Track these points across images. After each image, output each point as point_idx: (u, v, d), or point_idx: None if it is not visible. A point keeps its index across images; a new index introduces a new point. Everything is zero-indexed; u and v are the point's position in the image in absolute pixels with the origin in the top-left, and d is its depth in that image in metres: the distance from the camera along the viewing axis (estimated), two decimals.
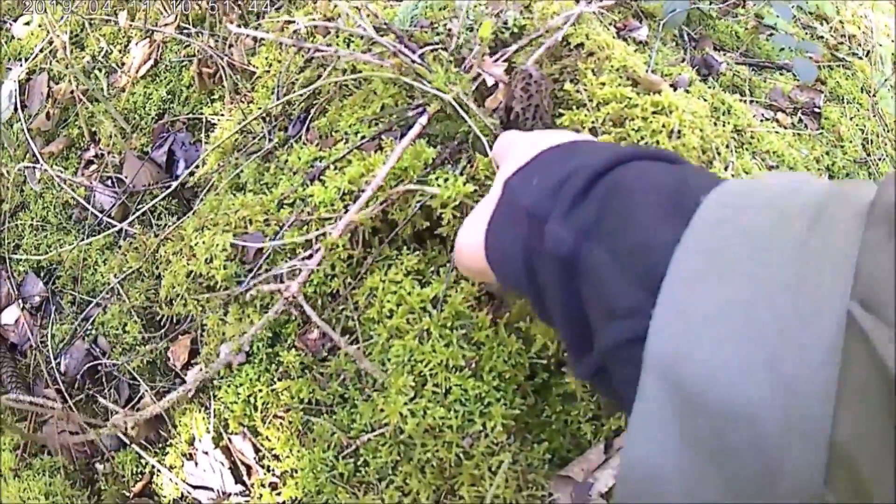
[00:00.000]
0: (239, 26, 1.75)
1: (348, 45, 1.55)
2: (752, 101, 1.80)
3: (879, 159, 1.83)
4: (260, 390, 1.40)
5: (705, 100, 1.67)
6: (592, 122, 1.40)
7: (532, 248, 0.61)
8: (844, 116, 1.89)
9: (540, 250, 0.59)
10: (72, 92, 1.74)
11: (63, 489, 1.57)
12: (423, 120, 1.35)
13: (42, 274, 1.71)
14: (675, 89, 1.66)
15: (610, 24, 1.72)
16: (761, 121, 1.73)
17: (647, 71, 1.66)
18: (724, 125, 1.59)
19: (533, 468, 1.27)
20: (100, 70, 1.81)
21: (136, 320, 1.56)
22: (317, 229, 1.37)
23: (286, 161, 1.52)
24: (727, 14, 2.02)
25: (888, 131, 1.87)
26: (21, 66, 1.82)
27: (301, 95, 1.56)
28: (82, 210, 1.69)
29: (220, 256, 1.45)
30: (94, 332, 1.61)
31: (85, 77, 1.76)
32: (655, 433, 0.41)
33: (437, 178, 1.34)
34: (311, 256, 1.35)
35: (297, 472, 1.35)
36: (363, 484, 1.31)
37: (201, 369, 1.46)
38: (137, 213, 1.65)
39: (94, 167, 1.73)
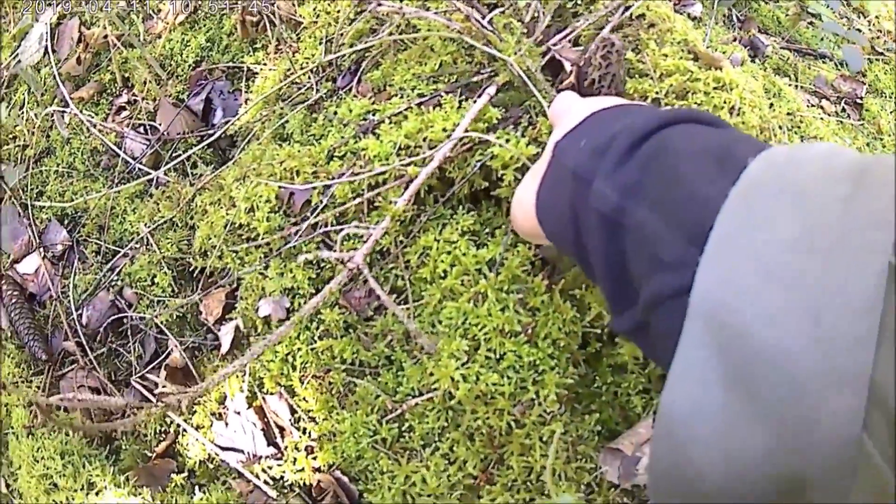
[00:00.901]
0: None
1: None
2: (797, 87, 1.76)
3: None
4: (299, 349, 1.32)
5: (755, 79, 1.61)
6: (656, 93, 1.33)
7: (577, 206, 0.62)
8: (884, 110, 1.85)
9: (585, 208, 0.60)
10: (105, 37, 1.64)
11: (80, 448, 1.48)
12: (492, 90, 1.27)
13: (66, 222, 1.61)
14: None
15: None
16: (808, 106, 1.69)
17: (705, 47, 1.60)
18: (779, 107, 1.54)
19: (583, 440, 1.21)
20: (136, 14, 1.70)
21: (166, 272, 1.47)
22: (370, 185, 1.29)
23: (335, 113, 1.44)
24: None
25: None
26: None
27: (352, 48, 1.48)
28: (112, 157, 1.59)
29: (264, 208, 1.37)
30: (119, 283, 1.52)
31: (120, 21, 1.66)
32: (697, 375, 0.41)
33: (499, 139, 1.27)
34: (368, 217, 1.28)
35: (335, 435, 1.28)
36: (406, 450, 1.23)
37: (237, 325, 1.37)
38: (171, 162, 1.55)
39: (125, 113, 1.63)
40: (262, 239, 1.36)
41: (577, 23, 1.38)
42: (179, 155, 1.57)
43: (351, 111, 1.41)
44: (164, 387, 1.40)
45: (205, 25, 1.69)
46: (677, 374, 0.43)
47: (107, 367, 1.51)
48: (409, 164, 1.26)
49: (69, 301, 1.52)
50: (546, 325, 1.20)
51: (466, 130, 1.24)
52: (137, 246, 1.51)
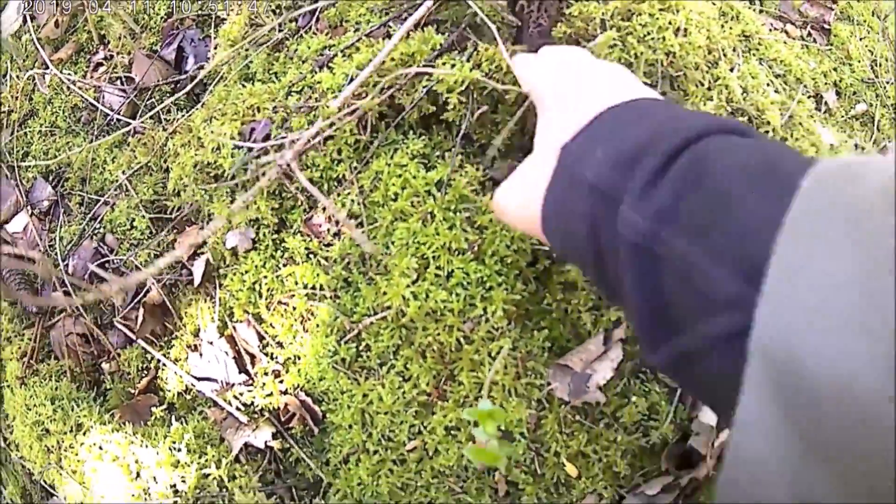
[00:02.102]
0: None
1: None
2: (761, 11, 1.72)
3: (888, 82, 1.74)
4: (265, 276, 1.34)
5: (714, 3, 1.58)
6: (602, 15, 1.32)
7: (599, 227, 0.56)
8: (854, 36, 1.80)
9: (610, 232, 0.53)
10: None
11: (69, 392, 1.52)
12: (428, 3, 1.27)
13: (51, 178, 1.64)
14: None
15: None
16: (770, 30, 1.65)
17: None
18: (730, 29, 1.50)
19: (532, 356, 1.21)
20: None
21: (143, 215, 1.50)
22: (325, 117, 1.30)
23: (296, 50, 1.45)
24: None
25: None
26: None
27: None
28: (91, 111, 1.63)
29: (228, 145, 1.39)
30: (101, 230, 1.55)
31: None
32: (763, 423, 0.39)
33: (444, 64, 1.27)
34: (324, 146, 1.29)
35: (299, 358, 1.30)
36: (364, 369, 1.25)
37: (207, 261, 1.40)
38: (147, 111, 1.58)
39: (103, 69, 1.66)
40: (228, 175, 1.38)
41: None
42: (155, 104, 1.59)
43: (309, 48, 1.42)
44: (142, 323, 1.44)
45: None
46: (741, 422, 0.39)
47: (92, 312, 1.54)
48: (359, 96, 1.26)
49: (56, 253, 1.56)
50: (493, 243, 1.20)
51: (403, 54, 1.24)
52: (117, 193, 1.54)
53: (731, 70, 1.39)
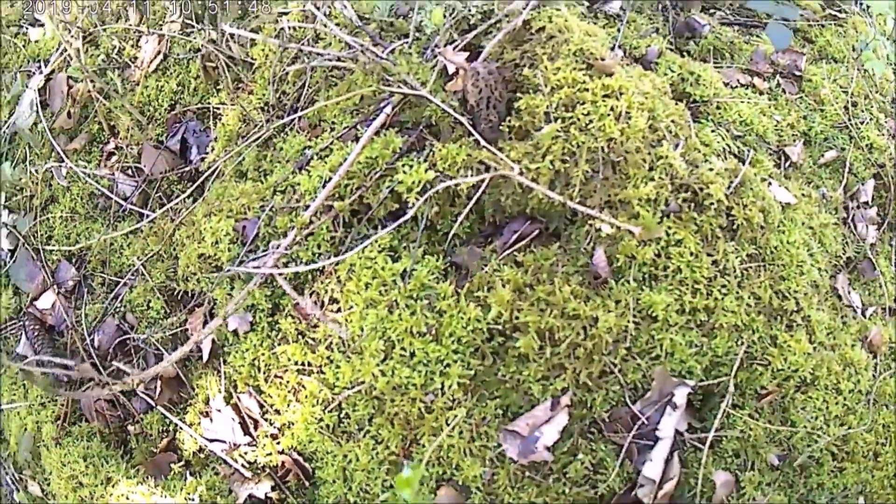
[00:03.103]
0: (238, 18, 2.17)
1: (328, 44, 1.95)
2: (730, 66, 2.11)
3: (862, 122, 2.10)
4: (262, 354, 1.84)
5: (672, 71, 1.99)
6: (546, 107, 1.76)
7: None
8: (827, 78, 2.16)
9: None
10: (89, 91, 2.20)
11: (99, 451, 2.05)
12: (388, 110, 1.74)
13: (73, 260, 2.18)
14: (641, 64, 2.00)
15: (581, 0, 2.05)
16: (734, 87, 2.04)
17: (614, 47, 2.00)
18: (682, 101, 1.92)
19: (485, 422, 1.67)
20: (114, 68, 2.26)
21: (158, 297, 2.02)
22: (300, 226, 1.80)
23: (281, 149, 1.95)
24: None
25: (876, 92, 2.15)
26: (41, 72, 2.29)
27: (293, 86, 1.98)
28: (107, 199, 2.16)
29: (225, 240, 1.90)
30: (122, 309, 2.08)
31: (100, 75, 2.22)
32: None
33: (403, 166, 1.74)
34: (307, 241, 1.79)
35: (292, 424, 1.80)
36: (345, 433, 1.74)
37: (213, 340, 1.92)
38: (157, 200, 2.11)
39: (115, 158, 2.19)
40: (225, 266, 1.89)
41: (467, 35, 1.82)
42: (164, 194, 2.12)
43: (291, 147, 1.92)
44: (160, 392, 1.97)
45: (175, 71, 2.23)
46: None
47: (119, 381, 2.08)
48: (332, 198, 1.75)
49: (82, 328, 2.10)
50: (451, 325, 1.67)
51: (368, 158, 1.72)
52: (133, 276, 2.07)
53: (676, 146, 1.81)
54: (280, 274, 1.62)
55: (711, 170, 1.80)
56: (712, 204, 1.76)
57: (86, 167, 2.18)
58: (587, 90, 1.77)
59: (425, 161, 1.72)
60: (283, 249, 1.62)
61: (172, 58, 2.22)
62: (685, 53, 2.10)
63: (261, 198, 1.87)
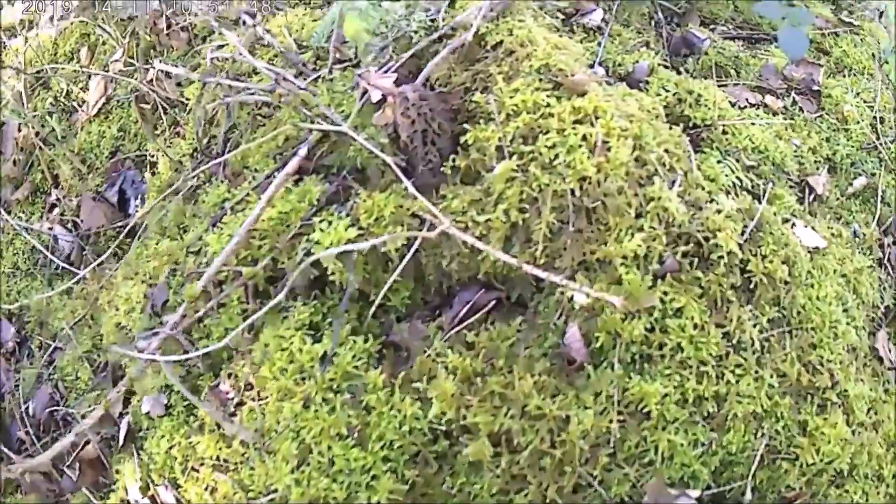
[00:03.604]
0: (179, 58, 1.57)
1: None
2: (736, 84, 1.42)
3: (892, 141, 1.39)
4: (179, 443, 1.25)
5: (666, 90, 1.31)
6: (499, 140, 1.10)
7: None
8: (850, 92, 1.45)
9: None
10: (36, 135, 1.63)
11: None
12: (303, 151, 1.11)
13: (13, 320, 1.63)
14: (627, 83, 1.32)
15: (555, 12, 1.38)
16: (743, 107, 1.35)
17: (594, 64, 1.33)
18: (679, 125, 1.23)
19: None
20: (60, 112, 1.69)
21: (86, 366, 1.46)
22: (214, 283, 1.18)
23: (204, 202, 1.34)
24: None
25: None
26: None
27: (220, 127, 1.36)
28: (45, 255, 1.59)
29: (137, 308, 1.30)
30: (55, 376, 1.52)
31: (43, 121, 1.64)
32: None
33: (321, 222, 1.10)
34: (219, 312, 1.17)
35: None
36: None
37: (129, 423, 1.32)
38: (93, 257, 1.53)
39: (57, 210, 1.62)
40: (137, 339, 1.28)
41: (401, 56, 1.16)
42: (101, 249, 1.54)
43: (209, 201, 1.30)
44: (80, 475, 1.39)
45: (116, 115, 1.66)
46: None
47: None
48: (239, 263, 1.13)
49: (20, 394, 1.54)
50: (380, 425, 1.03)
51: (280, 213, 1.08)
52: (64, 342, 1.49)
53: (672, 184, 1.13)
54: (164, 361, 1.00)
55: (719, 212, 1.15)
56: (721, 258, 1.11)
57: (28, 220, 1.61)
58: (552, 115, 1.12)
59: (347, 215, 1.08)
60: (168, 329, 1.01)
61: (115, 100, 1.62)
62: (684, 72, 1.41)
63: (174, 260, 1.27)
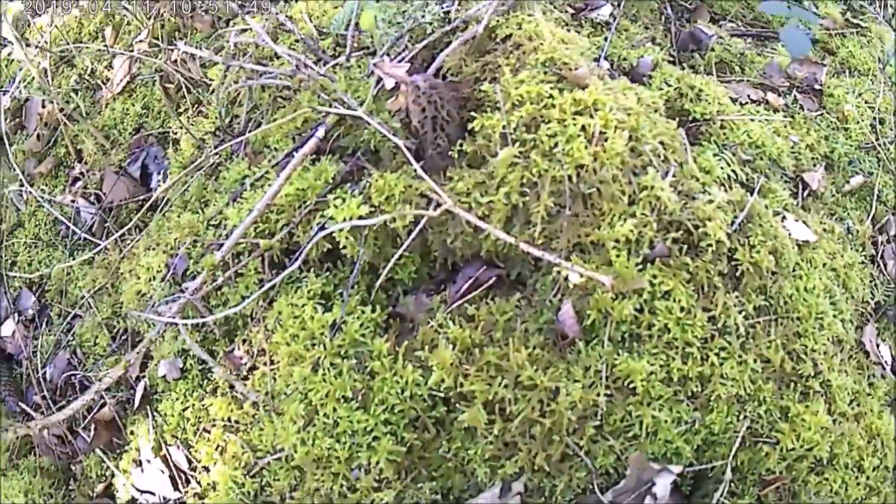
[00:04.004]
0: (203, 40, 1.68)
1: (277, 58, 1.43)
2: (740, 80, 1.51)
3: (891, 142, 1.48)
4: (192, 405, 1.37)
5: (668, 85, 1.40)
6: (504, 128, 1.20)
7: None
8: (852, 92, 1.54)
9: None
10: (59, 112, 1.75)
11: (41, 488, 1.61)
12: (320, 133, 1.22)
13: (34, 288, 1.75)
14: (631, 77, 1.41)
15: (565, 6, 1.48)
16: (743, 104, 1.44)
17: (599, 58, 1.43)
18: (678, 119, 1.32)
19: None
20: (84, 89, 1.81)
21: (105, 333, 1.57)
22: (233, 255, 1.29)
23: (225, 178, 1.45)
24: None
25: None
26: (11, 90, 1.86)
27: (246, 110, 1.47)
28: (68, 227, 1.71)
29: (157, 277, 1.41)
30: (73, 343, 1.63)
31: (68, 97, 1.76)
32: None
33: (335, 199, 1.21)
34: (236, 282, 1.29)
35: (216, 486, 1.30)
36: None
37: (145, 385, 1.44)
38: (115, 229, 1.65)
39: (80, 183, 1.74)
40: (158, 305, 1.40)
41: (415, 47, 1.27)
42: (124, 221, 1.65)
43: (231, 176, 1.41)
44: (95, 435, 1.50)
45: (141, 93, 1.76)
46: None
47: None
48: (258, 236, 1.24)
49: (37, 360, 1.65)
50: (383, 390, 1.14)
51: (297, 189, 1.20)
52: (84, 310, 1.61)
53: (666, 174, 1.23)
54: (183, 324, 1.11)
55: (710, 202, 1.24)
56: (710, 245, 1.20)
57: (51, 192, 1.73)
58: (554, 106, 1.22)
59: (360, 193, 1.19)
60: (188, 294, 1.12)
61: (140, 79, 1.74)
62: (689, 67, 1.51)
63: (195, 232, 1.38)
